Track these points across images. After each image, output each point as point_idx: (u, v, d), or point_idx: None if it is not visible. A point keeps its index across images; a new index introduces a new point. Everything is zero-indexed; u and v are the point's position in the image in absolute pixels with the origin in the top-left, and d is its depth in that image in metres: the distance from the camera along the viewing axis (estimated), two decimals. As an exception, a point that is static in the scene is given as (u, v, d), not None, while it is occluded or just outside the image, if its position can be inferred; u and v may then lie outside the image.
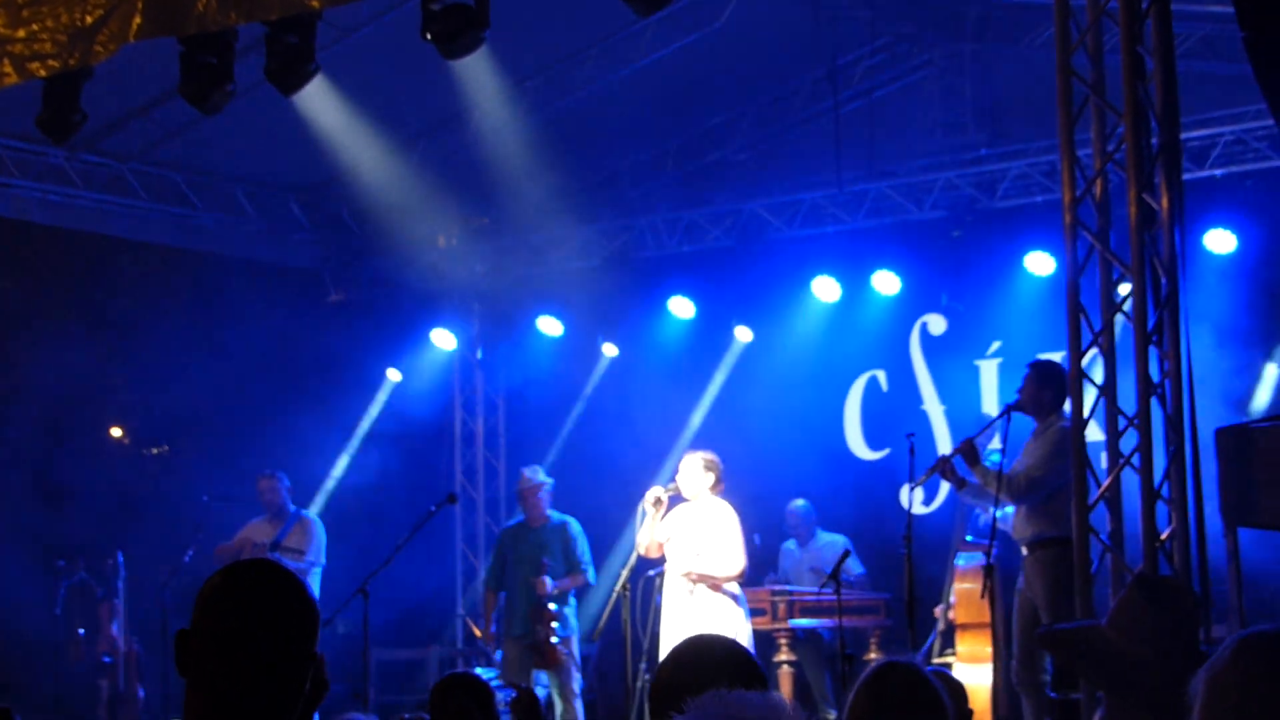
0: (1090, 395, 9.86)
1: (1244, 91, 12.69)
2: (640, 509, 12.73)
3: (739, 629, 12.55)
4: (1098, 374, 9.86)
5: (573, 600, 14.14)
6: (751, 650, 12.63)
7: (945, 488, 15.08)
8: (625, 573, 12.55)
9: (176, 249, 17.66)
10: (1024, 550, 11.29)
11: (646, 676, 12.68)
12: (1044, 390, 11.37)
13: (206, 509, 15.80)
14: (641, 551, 12.83)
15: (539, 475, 14.39)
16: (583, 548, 14.09)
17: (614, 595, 12.60)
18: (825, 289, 16.67)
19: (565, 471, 16.26)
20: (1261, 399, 14.45)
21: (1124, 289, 9.85)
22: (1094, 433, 10.25)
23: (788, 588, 14.18)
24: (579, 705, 13.83)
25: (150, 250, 17.48)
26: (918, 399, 16.65)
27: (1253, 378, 14.50)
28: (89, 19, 10.88)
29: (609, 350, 17.87)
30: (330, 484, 17.95)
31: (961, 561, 13.25)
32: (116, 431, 18.64)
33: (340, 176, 17.36)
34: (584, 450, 17.03)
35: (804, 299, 16.81)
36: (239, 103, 11.98)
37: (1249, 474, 9.35)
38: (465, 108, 16.12)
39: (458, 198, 17.53)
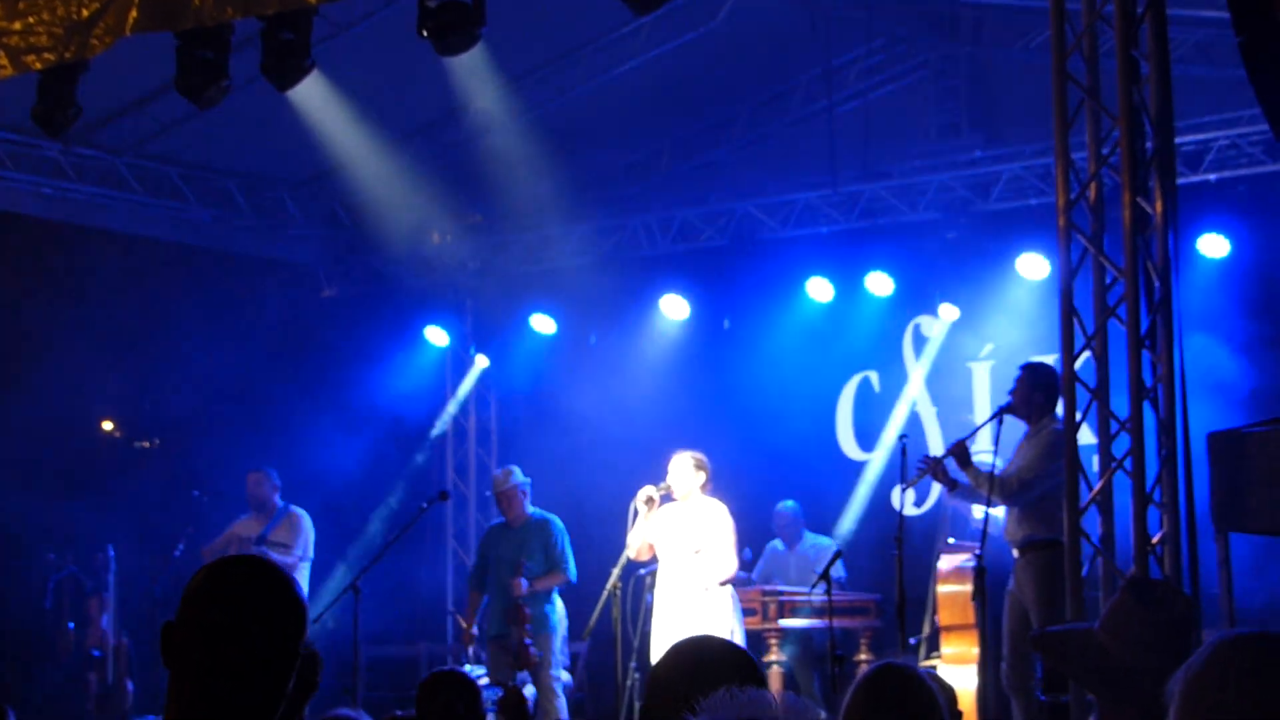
0: (1083, 398, 9.87)
1: (1238, 96, 12.70)
2: (632, 508, 12.73)
3: (731, 629, 12.58)
4: (1090, 377, 9.87)
5: (555, 599, 14.04)
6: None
7: (937, 489, 15.05)
8: (616, 571, 12.54)
9: (170, 243, 17.64)
10: (1015, 552, 11.30)
11: (636, 675, 12.68)
12: (1036, 393, 11.39)
13: (197, 503, 15.80)
14: (632, 554, 12.83)
15: (515, 476, 14.28)
16: (562, 546, 13.98)
17: (605, 594, 12.60)
18: (818, 290, 16.66)
19: (556, 469, 16.27)
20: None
21: (1117, 292, 9.86)
22: (1086, 436, 10.26)
23: (779, 588, 14.19)
24: (561, 705, 13.79)
25: (144, 244, 17.46)
26: (910, 400, 16.64)
27: (1250, 382, 14.50)
28: (85, 12, 10.88)
29: (594, 344, 17.95)
30: (322, 480, 17.93)
31: (944, 564, 13.27)
32: (108, 425, 18.63)
33: (334, 172, 17.35)
34: (575, 448, 17.01)
35: (797, 299, 16.80)
36: (234, 97, 11.99)
37: (1241, 479, 9.37)
38: (460, 105, 16.12)
39: (451, 195, 17.52)
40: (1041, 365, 11.73)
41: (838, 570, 14.12)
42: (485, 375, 19.21)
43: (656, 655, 12.49)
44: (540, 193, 16.99)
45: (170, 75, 11.78)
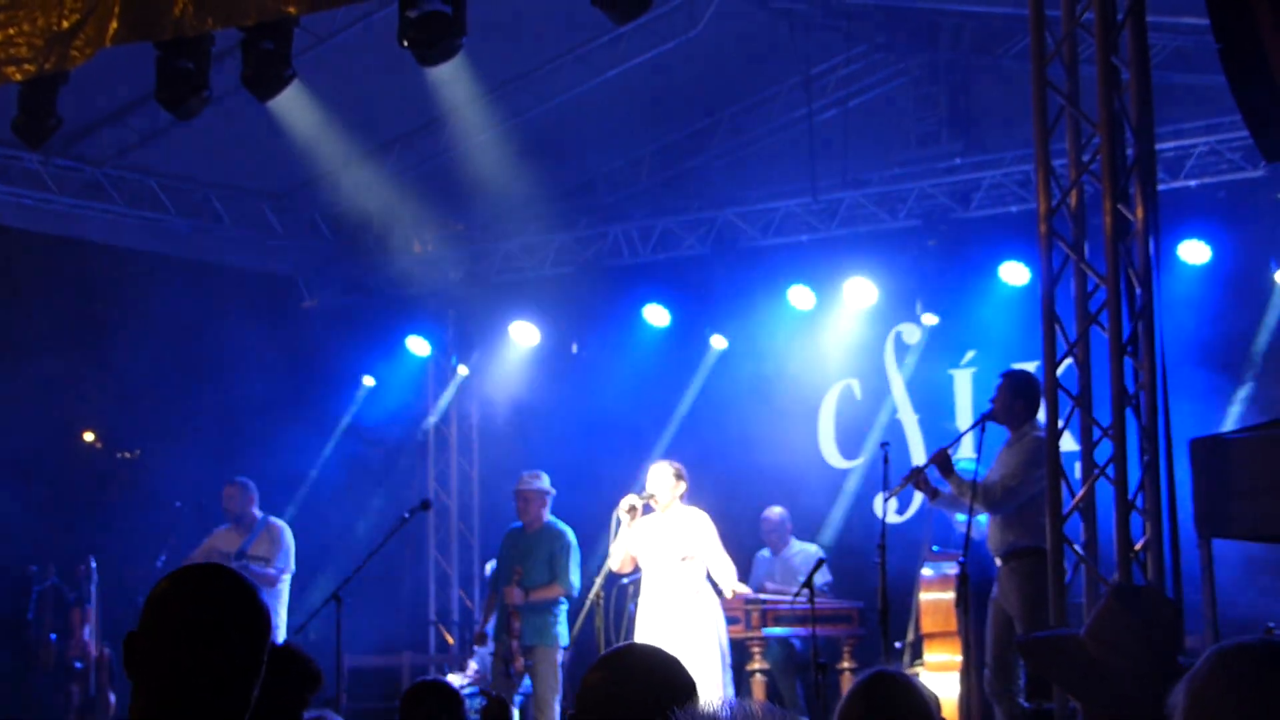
0: (1065, 405, 9.88)
1: (1218, 102, 12.73)
2: (615, 517, 12.73)
3: (717, 636, 12.60)
4: (1072, 384, 9.88)
5: (558, 611, 13.86)
6: (728, 659, 12.70)
7: (919, 497, 15.08)
8: (599, 581, 12.54)
9: (150, 254, 17.62)
10: (998, 561, 11.31)
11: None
12: (1017, 400, 11.39)
13: (179, 514, 15.78)
14: (615, 567, 12.83)
15: (541, 481, 14.14)
16: (567, 558, 13.80)
17: (588, 603, 12.58)
18: (800, 298, 16.67)
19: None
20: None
21: (1099, 299, 9.87)
22: (1068, 443, 10.27)
23: (761, 596, 14.19)
24: (553, 716, 13.73)
25: (124, 255, 17.45)
26: (892, 408, 16.66)
27: (1232, 388, 14.54)
28: (65, 23, 10.86)
29: (576, 353, 17.93)
30: (304, 490, 17.92)
31: (928, 571, 13.28)
32: (89, 436, 18.60)
33: (315, 182, 17.35)
34: (557, 458, 16.99)
35: (778, 307, 16.80)
36: (214, 108, 11.99)
37: (1223, 485, 9.38)
38: (441, 114, 16.11)
39: (433, 204, 17.53)
40: (1022, 372, 11.74)
41: (824, 576, 14.14)
42: (467, 385, 19.22)
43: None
44: (521, 202, 16.99)
45: (150, 86, 11.78)
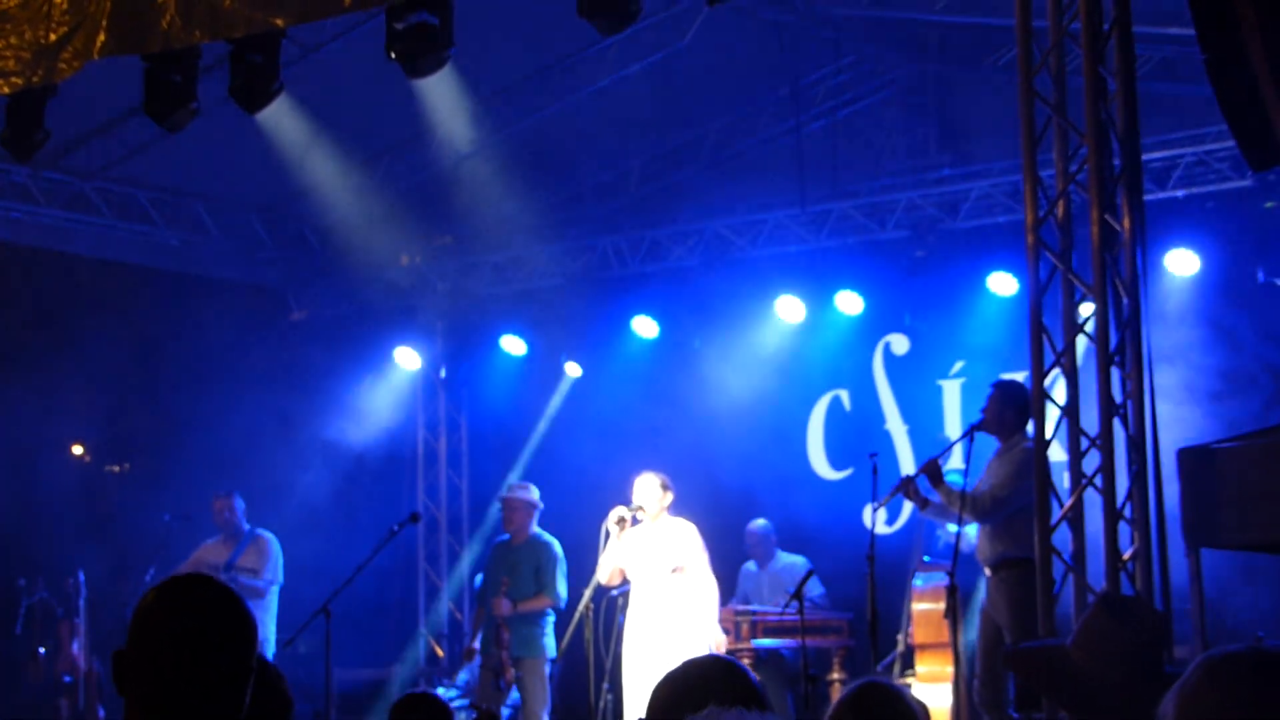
0: (1053, 415, 9.88)
1: (1205, 113, 12.75)
2: (604, 529, 12.73)
3: (708, 648, 12.58)
4: (1060, 394, 9.89)
5: (545, 623, 13.84)
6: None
7: (908, 508, 15.10)
8: (588, 593, 12.53)
9: (139, 266, 17.61)
10: (987, 571, 11.31)
11: (609, 696, 12.67)
12: (1007, 410, 11.40)
13: (168, 528, 15.76)
14: (603, 579, 12.83)
15: (528, 492, 14.16)
16: (553, 570, 13.78)
17: (577, 615, 12.58)
18: (788, 308, 16.66)
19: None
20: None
21: (1086, 309, 9.88)
22: (1056, 453, 10.28)
23: (751, 608, 14.18)
24: None
25: (113, 268, 17.43)
26: (881, 419, 16.66)
27: (1219, 398, 14.54)
28: (53, 36, 10.85)
29: (572, 370, 17.88)
30: (292, 502, 17.89)
31: (920, 582, 13.28)
32: (78, 449, 18.58)
33: (303, 194, 17.33)
34: (547, 470, 16.99)
35: (767, 318, 16.80)
36: (202, 120, 11.96)
37: (1211, 494, 9.38)
38: (428, 126, 16.11)
39: (421, 216, 17.52)
40: (1013, 382, 11.75)
41: (815, 588, 14.13)
42: (456, 397, 19.21)
43: (629, 676, 12.50)
44: (510, 214, 16.99)
45: (138, 99, 11.78)
